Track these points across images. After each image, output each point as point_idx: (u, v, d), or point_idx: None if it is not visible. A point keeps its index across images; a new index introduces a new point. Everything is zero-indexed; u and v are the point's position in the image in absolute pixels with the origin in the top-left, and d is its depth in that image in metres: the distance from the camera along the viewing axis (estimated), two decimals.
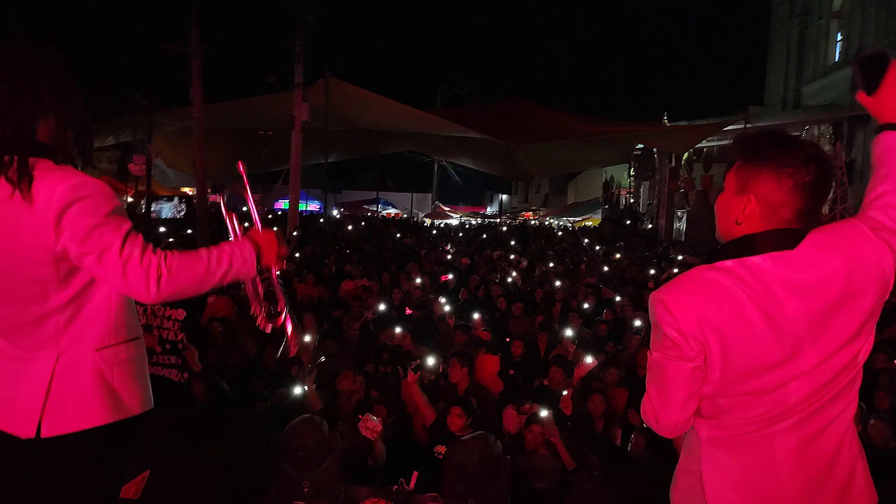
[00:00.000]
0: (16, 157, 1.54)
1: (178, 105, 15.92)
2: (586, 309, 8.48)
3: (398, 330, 6.29)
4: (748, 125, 17.98)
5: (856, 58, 1.53)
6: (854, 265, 1.39)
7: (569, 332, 6.44)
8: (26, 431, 1.63)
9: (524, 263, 13.41)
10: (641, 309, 8.31)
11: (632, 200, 29.49)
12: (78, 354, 1.67)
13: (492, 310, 8.50)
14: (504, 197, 44.63)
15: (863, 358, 1.44)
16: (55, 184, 1.54)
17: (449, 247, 16.52)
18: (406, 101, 17.45)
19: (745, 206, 1.43)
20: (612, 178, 33.88)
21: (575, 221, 33.92)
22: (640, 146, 24.11)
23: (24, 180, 1.52)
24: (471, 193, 47.96)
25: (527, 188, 45.14)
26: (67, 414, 1.65)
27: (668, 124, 21.25)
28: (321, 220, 22.10)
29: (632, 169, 28.07)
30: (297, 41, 16.00)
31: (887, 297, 1.43)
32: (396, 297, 8.84)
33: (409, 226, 25.68)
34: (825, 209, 15.72)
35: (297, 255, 11.99)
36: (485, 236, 20.49)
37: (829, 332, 1.39)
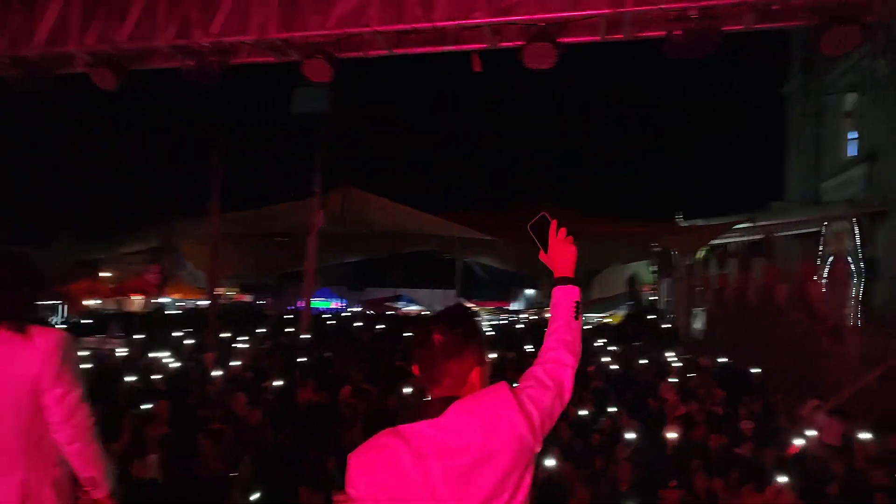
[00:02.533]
0: None
1: (199, 214, 16.89)
2: (584, 416, 8.33)
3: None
4: (755, 224, 18.06)
5: (528, 225, 1.88)
6: (488, 430, 1.59)
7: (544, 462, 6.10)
8: None
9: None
10: (637, 418, 8.15)
11: (654, 298, 29.21)
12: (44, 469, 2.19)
13: None
14: (529, 292, 44.61)
15: None
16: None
17: None
18: (432, 203, 18.17)
19: (415, 371, 1.74)
20: (636, 274, 33.83)
21: (599, 318, 33.57)
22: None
23: None
24: (496, 289, 48.14)
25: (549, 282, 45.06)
26: None
27: (682, 223, 21.41)
28: (328, 321, 22.37)
29: (652, 266, 28.04)
30: (316, 153, 16.98)
31: (530, 455, 1.63)
32: (392, 404, 8.80)
33: None
34: (843, 306, 15.49)
35: (302, 358, 12.17)
36: (492, 333, 20.39)
37: (471, 489, 1.58)
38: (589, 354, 15.90)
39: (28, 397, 2.17)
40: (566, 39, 4.71)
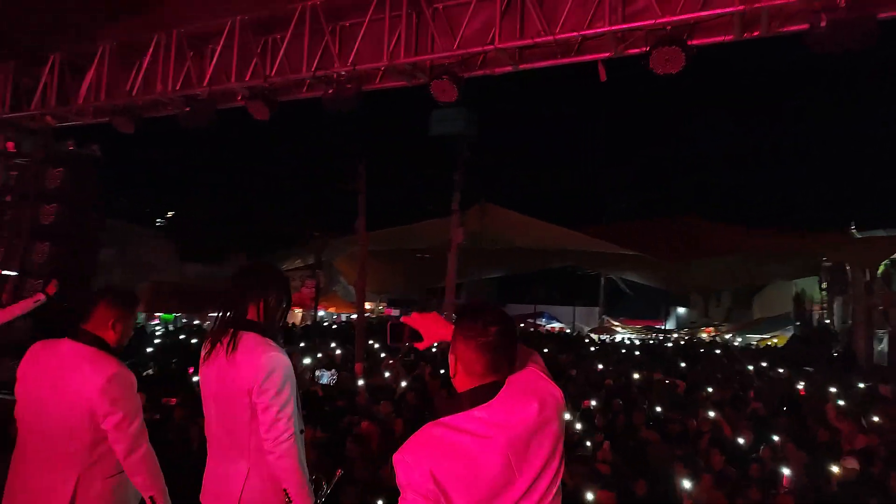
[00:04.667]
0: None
1: (350, 233, 18.04)
2: (741, 444, 7.71)
3: None
4: None
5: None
6: (540, 402, 1.78)
7: (686, 484, 5.80)
8: None
9: (681, 387, 12.47)
10: (804, 449, 7.36)
11: (825, 319, 26.21)
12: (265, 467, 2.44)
13: (629, 438, 8.02)
14: (681, 310, 42.07)
15: (562, 471, 1.80)
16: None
17: (600, 366, 15.95)
18: (571, 218, 17.94)
19: (453, 361, 1.84)
20: (802, 291, 30.65)
21: (760, 339, 30.76)
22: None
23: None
24: (644, 307, 45.94)
25: (706, 301, 42.23)
26: None
27: (856, 235, 19.08)
28: None
29: (822, 283, 25.22)
30: (455, 172, 17.43)
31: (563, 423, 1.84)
32: None
33: (568, 341, 25.24)
34: None
35: (441, 370, 12.47)
36: (637, 353, 19.42)
37: (532, 457, 1.73)
38: (748, 377, 14.66)
39: (246, 404, 2.42)
40: (697, 41, 4.46)
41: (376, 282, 22.11)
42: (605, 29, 4.67)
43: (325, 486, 2.60)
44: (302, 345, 14.61)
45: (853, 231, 19.50)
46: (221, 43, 6.49)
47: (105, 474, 2.56)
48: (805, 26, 3.97)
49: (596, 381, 12.89)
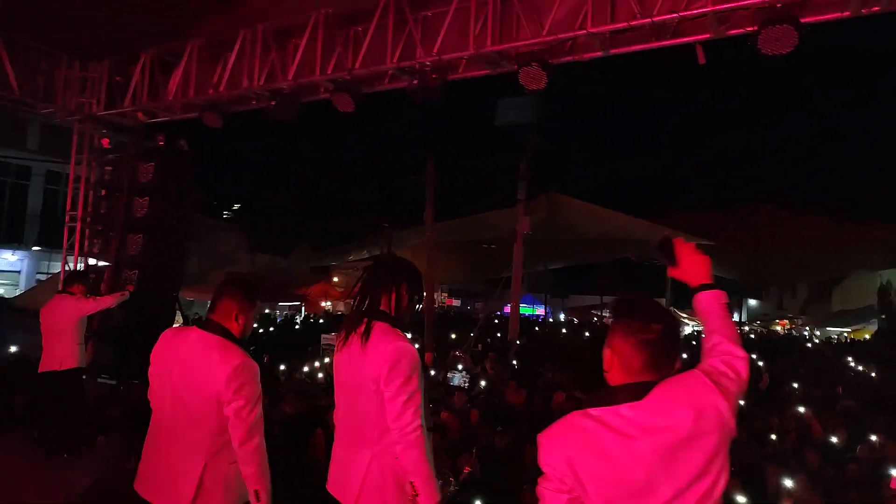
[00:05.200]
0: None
1: (416, 224, 18.12)
2: (834, 443, 7.34)
3: None
4: None
5: (652, 246, 2.03)
6: (696, 411, 1.65)
7: (787, 483, 5.53)
8: None
9: (764, 382, 11.99)
10: None
11: None
12: (387, 457, 2.47)
13: None
14: (753, 302, 40.45)
15: (718, 493, 1.65)
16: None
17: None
18: (639, 208, 17.51)
19: (607, 356, 1.77)
20: (888, 282, 28.90)
21: (841, 333, 29.25)
22: None
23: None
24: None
25: (780, 293, 40.46)
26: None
27: None
28: (537, 328, 22.41)
29: None
30: (522, 161, 17.24)
31: (730, 439, 1.67)
32: None
33: None
34: None
35: (513, 362, 12.42)
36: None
37: (680, 468, 1.63)
38: (835, 373, 13.94)
39: (374, 393, 2.46)
40: (809, 19, 4.19)
41: (438, 272, 22.15)
42: (708, 9, 4.45)
43: (452, 483, 2.58)
44: None
45: None
46: (306, 37, 6.58)
47: (230, 459, 2.63)
48: None
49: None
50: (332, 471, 2.64)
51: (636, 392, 1.69)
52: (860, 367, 15.30)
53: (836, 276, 30.68)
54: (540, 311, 32.20)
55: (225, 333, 2.69)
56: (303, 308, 26.99)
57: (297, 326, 20.45)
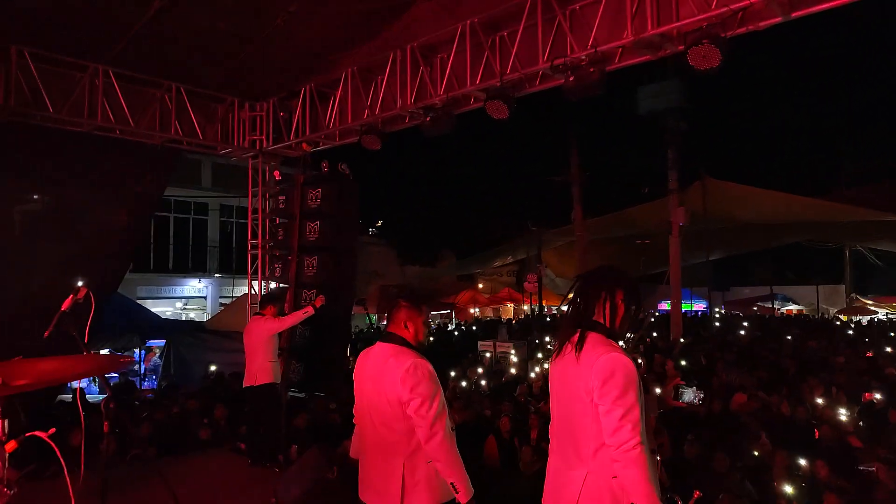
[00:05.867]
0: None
1: (562, 224, 17.79)
2: None
3: (803, 462, 5.60)
4: None
5: None
6: None
7: None
8: None
9: None
10: None
11: None
12: (603, 474, 2.36)
13: None
14: None
15: None
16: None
17: (871, 353, 13.76)
18: (800, 186, 15.90)
19: None
20: None
21: None
22: None
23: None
24: None
25: None
26: None
27: None
28: (706, 324, 20.95)
29: None
30: (670, 149, 16.33)
31: None
32: (801, 417, 7.79)
33: (815, 325, 22.31)
34: None
35: (682, 362, 11.69)
36: None
37: None
38: None
39: (588, 406, 2.38)
40: None
41: (579, 272, 21.46)
42: None
43: None
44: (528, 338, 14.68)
45: None
46: (454, 49, 6.65)
47: (427, 458, 2.72)
48: None
49: (871, 370, 11.12)
50: (547, 485, 2.57)
51: None
52: None
53: None
54: (698, 306, 30.20)
55: (400, 341, 2.86)
56: (453, 315, 27.60)
57: (455, 334, 20.87)
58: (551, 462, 2.58)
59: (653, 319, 21.56)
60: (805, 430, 7.36)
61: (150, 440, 7.01)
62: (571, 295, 2.57)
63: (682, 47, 5.04)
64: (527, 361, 12.21)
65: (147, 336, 12.25)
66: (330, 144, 8.71)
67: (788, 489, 5.25)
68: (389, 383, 2.73)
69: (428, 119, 6.82)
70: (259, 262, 9.20)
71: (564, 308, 2.64)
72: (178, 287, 22.88)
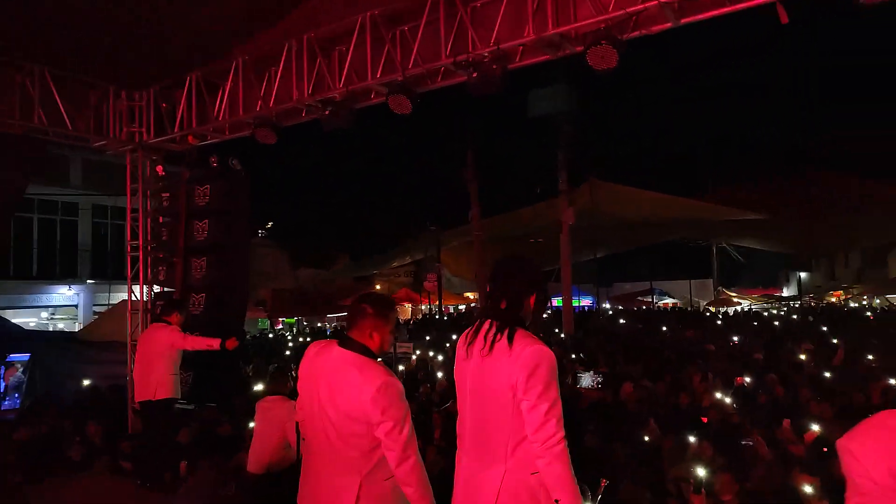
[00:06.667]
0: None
1: (459, 223, 17.99)
2: None
3: (692, 439, 5.94)
4: None
5: None
6: None
7: None
8: None
9: (839, 357, 11.46)
10: None
11: None
12: (521, 471, 2.28)
13: (799, 415, 7.43)
14: (803, 275, 39.22)
15: None
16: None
17: (736, 339, 15.02)
18: (679, 186, 17.11)
19: None
20: None
21: None
22: None
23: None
24: (761, 275, 43.11)
25: (832, 263, 39.15)
26: None
27: None
28: (595, 318, 22.02)
29: None
30: (560, 151, 16.97)
31: None
32: (684, 402, 8.29)
33: (689, 316, 24.08)
34: None
35: (573, 355, 12.14)
36: (776, 324, 18.15)
37: None
38: None
39: (509, 402, 2.30)
40: None
41: (487, 271, 21.91)
42: None
43: (590, 498, 2.39)
44: (427, 338, 14.68)
45: None
46: (353, 41, 6.46)
47: (385, 476, 2.54)
48: None
49: (739, 356, 12.10)
50: (457, 486, 2.48)
51: None
52: None
53: (893, 239, 29.50)
54: (585, 301, 31.72)
55: (363, 350, 2.62)
56: None
57: None
58: (463, 463, 2.48)
59: (545, 315, 22.34)
60: (689, 414, 7.84)
61: (16, 465, 6.25)
62: (491, 289, 2.49)
63: (580, 48, 5.19)
64: (427, 361, 12.18)
65: (6, 350, 10.97)
66: (219, 138, 8.19)
67: (681, 471, 5.52)
68: (354, 399, 2.49)
69: (327, 113, 6.58)
70: (140, 265, 8.48)
71: (482, 303, 2.58)
72: (44, 295, 20.82)
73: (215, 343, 5.79)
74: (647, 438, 6.87)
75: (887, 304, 27.40)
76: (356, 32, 6.45)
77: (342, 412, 2.53)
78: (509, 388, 2.27)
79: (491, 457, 2.33)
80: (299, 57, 6.95)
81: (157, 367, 5.65)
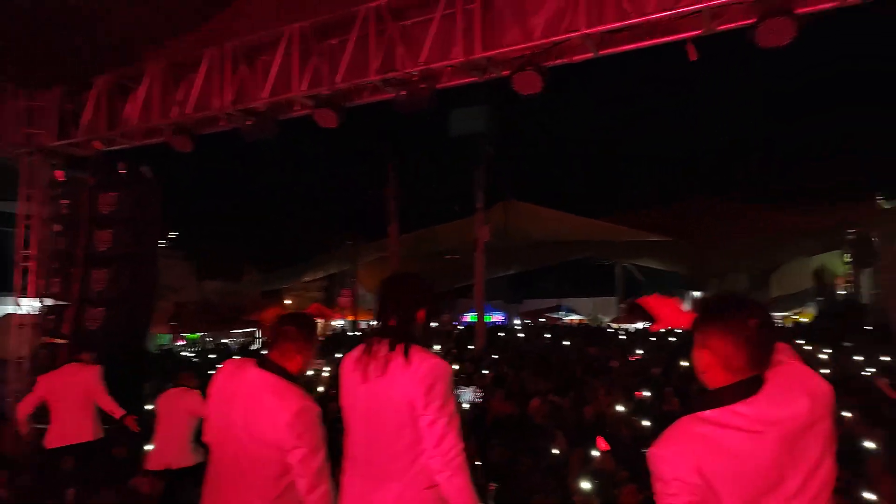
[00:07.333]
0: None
1: (377, 238, 17.92)
2: None
3: (596, 454, 6.17)
4: None
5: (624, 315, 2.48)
6: (811, 398, 1.69)
7: None
8: None
9: None
10: (879, 425, 7.22)
11: (845, 291, 26.10)
12: (417, 487, 2.26)
13: None
14: (696, 294, 41.89)
15: (834, 475, 1.70)
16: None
17: (638, 354, 15.82)
18: (589, 208, 17.91)
19: (704, 358, 1.75)
20: (823, 266, 30.49)
21: (784, 317, 30.65)
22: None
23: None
24: (658, 292, 45.52)
25: (721, 283, 42.10)
26: None
27: (885, 205, 18.98)
28: (507, 334, 22.51)
29: (846, 256, 25.09)
30: (478, 170, 17.31)
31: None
32: (589, 416, 8.61)
33: (594, 333, 25.10)
34: None
35: (484, 371, 12.34)
36: (673, 339, 19.28)
37: (804, 455, 1.66)
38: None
39: (407, 418, 2.28)
40: (805, 10, 4.31)
41: None
42: (703, 5, 4.53)
43: None
44: (338, 355, 14.44)
45: (880, 201, 19.38)
46: (280, 52, 6.35)
47: (293, 502, 2.46)
48: None
49: (640, 371, 12.74)
50: None
51: (747, 389, 1.69)
52: (809, 348, 16.01)
53: (776, 263, 32.18)
54: (496, 317, 32.35)
55: (282, 372, 2.53)
56: (258, 334, 26.23)
57: (261, 353, 19.77)
58: (351, 484, 2.43)
59: (457, 331, 22.57)
60: (594, 428, 8.16)
61: None
62: (380, 307, 2.48)
63: (507, 72, 5.37)
64: (338, 378, 11.96)
65: None
66: (128, 144, 7.76)
67: (585, 484, 5.72)
68: (270, 423, 2.41)
69: (249, 123, 6.42)
70: (32, 276, 7.85)
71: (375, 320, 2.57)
72: None
73: (118, 413, 5.47)
74: (555, 451, 7.09)
75: None
76: (283, 43, 6.36)
77: (256, 436, 2.44)
78: (407, 404, 2.26)
79: (385, 476, 2.31)
80: (222, 64, 6.75)
81: (85, 408, 5.30)
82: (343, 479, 2.46)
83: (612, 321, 34.42)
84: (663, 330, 27.01)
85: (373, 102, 6.47)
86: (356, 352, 2.48)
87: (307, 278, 25.14)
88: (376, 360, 2.35)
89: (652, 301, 2.01)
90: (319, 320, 28.71)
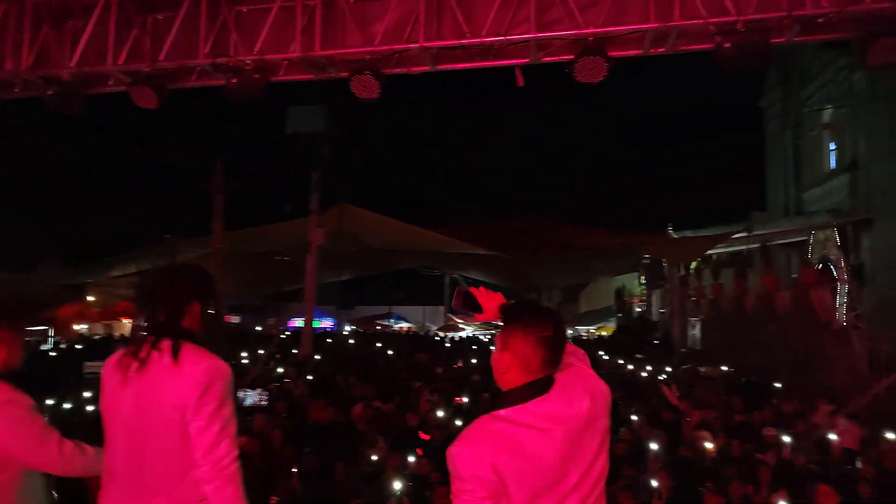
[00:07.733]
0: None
1: (199, 234, 16.73)
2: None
3: (412, 458, 6.30)
4: (751, 234, 18.35)
5: (457, 305, 2.25)
6: (592, 397, 1.84)
7: None
8: None
9: None
10: (659, 428, 8.20)
11: (640, 309, 29.53)
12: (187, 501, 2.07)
13: None
14: None
15: (606, 471, 1.86)
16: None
17: (462, 363, 16.49)
18: (421, 218, 18.23)
19: (505, 359, 1.85)
20: (623, 286, 34.11)
21: (589, 331, 33.74)
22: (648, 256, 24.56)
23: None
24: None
25: (539, 297, 45.33)
26: None
27: (674, 235, 21.73)
28: (334, 340, 22.25)
29: (642, 278, 28.33)
30: (313, 172, 16.95)
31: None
32: (412, 421, 8.77)
33: (422, 340, 25.69)
34: (842, 316, 15.51)
35: (309, 377, 12.07)
36: (492, 348, 20.36)
37: (583, 451, 1.80)
38: (594, 366, 15.97)
39: (176, 425, 2.06)
40: (615, 53, 4.81)
41: (227, 286, 20.60)
42: (530, 35, 4.87)
43: None
44: None
45: (670, 232, 22.16)
46: (94, 19, 5.71)
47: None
48: (709, 45, 4.48)
49: (462, 377, 13.27)
50: None
51: (540, 388, 1.80)
52: (607, 358, 17.81)
53: (585, 281, 35.38)
54: (325, 323, 31.82)
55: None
56: (51, 333, 23.20)
57: (52, 354, 17.54)
58: (113, 501, 2.15)
59: (283, 336, 21.84)
60: (415, 433, 8.33)
61: None
62: (151, 299, 2.24)
63: (345, 74, 5.34)
64: None
65: None
66: None
67: (398, 486, 5.80)
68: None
69: (50, 92, 5.69)
70: None
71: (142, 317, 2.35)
72: None
73: None
74: (374, 458, 7.12)
75: (576, 334, 32.54)
76: (98, 9, 5.73)
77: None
78: (176, 410, 2.05)
79: (152, 491, 2.08)
80: (19, 22, 5.91)
81: None
82: (100, 498, 2.16)
83: (440, 329, 35.52)
84: (486, 338, 28.44)
85: (203, 88, 6.07)
86: (120, 352, 2.20)
87: (116, 273, 22.76)
88: (140, 360, 2.10)
89: (480, 294, 2.07)
90: (127, 320, 26.15)
